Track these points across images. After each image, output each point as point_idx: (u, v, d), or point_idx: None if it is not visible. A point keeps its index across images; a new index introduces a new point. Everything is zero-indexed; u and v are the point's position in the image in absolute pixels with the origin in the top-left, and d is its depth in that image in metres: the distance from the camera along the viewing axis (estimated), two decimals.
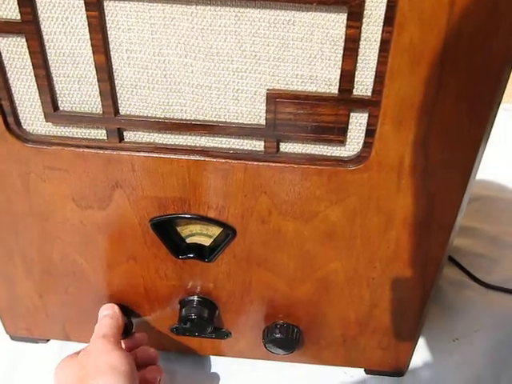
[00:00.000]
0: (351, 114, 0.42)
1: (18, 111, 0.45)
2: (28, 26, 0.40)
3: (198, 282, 0.55)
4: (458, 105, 0.40)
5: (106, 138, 0.46)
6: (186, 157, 0.46)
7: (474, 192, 0.61)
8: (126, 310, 0.59)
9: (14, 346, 0.67)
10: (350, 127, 0.43)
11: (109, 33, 0.40)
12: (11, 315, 0.63)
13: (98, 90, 0.43)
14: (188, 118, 0.44)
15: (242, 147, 0.45)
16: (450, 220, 0.47)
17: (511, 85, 0.42)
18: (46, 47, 0.41)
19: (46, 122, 0.45)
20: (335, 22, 0.38)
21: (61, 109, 0.45)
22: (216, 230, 0.52)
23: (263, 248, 0.51)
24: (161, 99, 0.44)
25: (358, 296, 0.54)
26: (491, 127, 0.42)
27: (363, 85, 0.41)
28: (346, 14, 0.37)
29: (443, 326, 0.70)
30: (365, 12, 0.37)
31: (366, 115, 0.42)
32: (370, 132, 0.43)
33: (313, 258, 0.51)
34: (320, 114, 0.42)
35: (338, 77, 0.40)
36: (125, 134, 0.46)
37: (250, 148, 0.45)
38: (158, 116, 0.44)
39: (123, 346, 0.57)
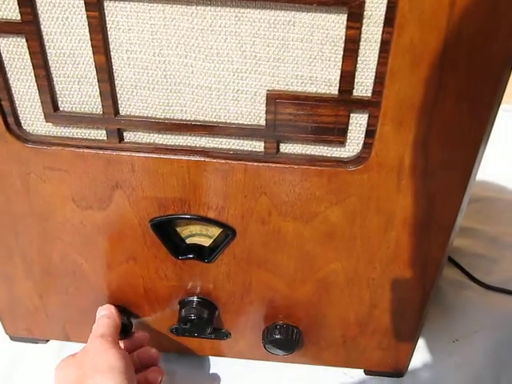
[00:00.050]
0: (351, 114, 0.42)
1: (18, 111, 0.45)
2: (28, 26, 0.40)
3: (197, 282, 0.55)
4: (458, 105, 0.40)
5: (106, 138, 0.46)
6: (186, 157, 0.46)
7: (474, 193, 0.61)
8: (126, 311, 0.59)
9: (14, 347, 0.67)
10: (349, 128, 0.43)
11: (109, 33, 0.40)
12: (11, 315, 0.63)
13: (98, 90, 0.43)
14: (188, 119, 0.44)
15: (242, 148, 0.45)
16: (450, 220, 0.47)
17: (511, 85, 0.42)
18: (46, 47, 0.41)
19: (46, 122, 0.45)
20: (335, 23, 0.38)
21: (61, 109, 0.45)
22: (216, 231, 0.52)
23: (263, 249, 0.51)
24: (161, 100, 0.44)
25: (357, 297, 0.54)
26: (491, 128, 0.42)
27: (363, 85, 0.41)
28: (346, 15, 0.37)
29: (443, 326, 0.70)
30: (365, 13, 0.37)
31: (366, 116, 0.42)
32: (370, 133, 0.43)
33: (313, 259, 0.51)
34: (320, 115, 0.42)
35: (338, 77, 0.40)
36: (125, 134, 0.46)
37: (250, 149, 0.45)
38: (158, 116, 0.44)
39: (123, 346, 0.57)
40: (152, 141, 0.46)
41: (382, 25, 0.38)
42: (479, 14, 0.36)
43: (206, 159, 0.45)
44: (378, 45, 0.38)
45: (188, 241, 0.53)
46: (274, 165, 0.45)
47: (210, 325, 0.57)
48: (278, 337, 0.57)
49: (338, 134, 0.43)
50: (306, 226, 0.49)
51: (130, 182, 0.47)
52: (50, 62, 0.42)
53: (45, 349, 0.67)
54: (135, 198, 0.49)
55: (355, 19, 0.37)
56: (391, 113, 0.40)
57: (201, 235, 0.53)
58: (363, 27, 0.38)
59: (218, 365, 0.66)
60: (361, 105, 0.41)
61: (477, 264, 0.78)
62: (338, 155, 0.45)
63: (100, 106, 0.44)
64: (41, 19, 0.40)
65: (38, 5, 0.39)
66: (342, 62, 0.39)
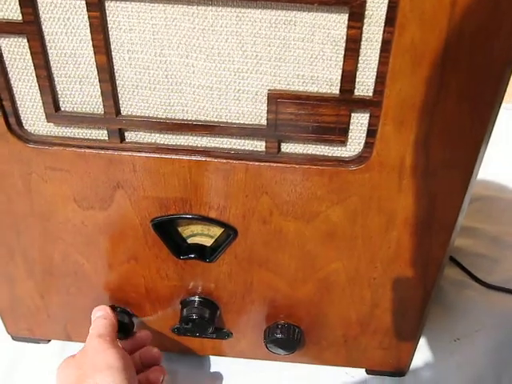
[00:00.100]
0: (352, 114, 0.42)
1: (20, 112, 0.45)
2: (29, 26, 0.40)
3: (199, 282, 0.55)
4: (460, 105, 0.40)
5: (107, 138, 0.46)
6: (187, 157, 0.46)
7: (475, 192, 0.61)
8: (127, 311, 0.59)
9: (15, 346, 0.67)
10: (351, 127, 0.43)
11: (110, 33, 0.40)
12: (13, 315, 0.63)
13: (99, 90, 0.43)
14: (189, 119, 0.44)
15: (243, 147, 0.45)
16: (451, 220, 0.47)
17: None
18: (48, 48, 0.42)
19: (48, 122, 0.45)
20: (336, 23, 0.38)
21: (62, 109, 0.45)
22: (217, 231, 0.52)
23: (264, 248, 0.51)
24: (162, 99, 0.44)
25: (359, 296, 0.54)
26: (492, 127, 0.42)
27: (364, 85, 0.41)
28: (347, 15, 0.37)
29: (444, 326, 0.70)
30: (366, 12, 0.37)
31: (367, 115, 0.42)
32: (371, 132, 0.43)
33: (314, 259, 0.51)
34: (321, 115, 0.42)
35: (339, 77, 0.40)
36: (126, 134, 0.46)
37: (251, 148, 0.45)
38: (159, 116, 0.44)
39: (125, 346, 0.57)
40: (153, 141, 0.46)
41: (383, 24, 0.38)
42: (480, 13, 0.36)
43: (208, 159, 0.45)
44: (379, 44, 0.38)
45: (189, 240, 0.53)
46: (275, 164, 0.45)
47: (212, 324, 0.57)
48: (279, 336, 0.57)
49: (339, 134, 0.43)
50: (308, 225, 0.49)
51: (132, 182, 0.48)
52: (52, 62, 0.42)
53: (46, 349, 0.67)
54: (136, 197, 0.49)
55: (356, 19, 0.37)
56: (392, 112, 0.40)
57: (202, 235, 0.53)
58: (364, 27, 0.38)
59: (219, 364, 0.66)
60: (362, 104, 0.41)
61: (478, 263, 0.78)
62: (339, 155, 0.45)
63: (101, 106, 0.44)
64: (42, 19, 0.40)
65: (39, 5, 0.39)
66: (343, 61, 0.40)
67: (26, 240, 0.54)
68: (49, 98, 0.44)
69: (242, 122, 0.44)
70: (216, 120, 0.44)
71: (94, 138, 0.46)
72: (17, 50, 0.42)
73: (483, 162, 0.44)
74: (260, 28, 0.39)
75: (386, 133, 0.42)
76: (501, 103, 0.40)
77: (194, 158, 0.46)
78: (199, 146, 0.46)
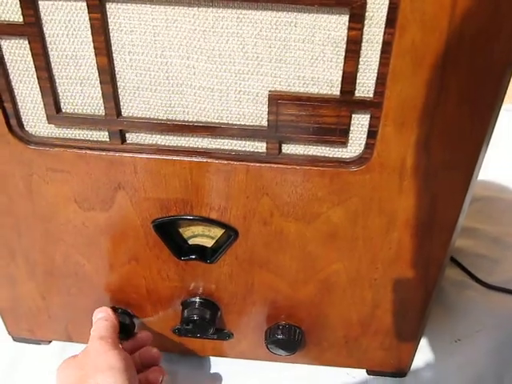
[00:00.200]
0: (353, 115, 0.42)
1: (21, 113, 0.45)
2: (31, 28, 0.40)
3: (200, 283, 0.56)
4: (460, 106, 0.40)
5: (108, 139, 0.46)
6: (188, 158, 0.46)
7: (476, 193, 0.61)
8: (128, 312, 0.59)
9: (16, 346, 0.67)
10: (351, 129, 0.43)
11: (111, 35, 0.40)
12: (14, 316, 0.63)
13: (100, 91, 0.43)
14: (190, 120, 0.44)
15: (244, 149, 0.46)
16: (452, 221, 0.47)
17: None
18: (49, 49, 0.42)
19: (49, 123, 0.45)
20: (337, 24, 0.38)
21: (63, 111, 0.45)
22: (218, 232, 0.52)
23: (265, 249, 0.51)
24: (163, 101, 0.44)
25: (360, 297, 0.54)
26: (493, 128, 0.42)
27: (365, 86, 0.41)
28: (347, 16, 0.37)
29: (445, 326, 0.70)
30: (366, 14, 0.37)
31: (367, 117, 0.42)
32: (371, 133, 0.43)
33: (315, 260, 0.51)
34: (322, 116, 0.42)
35: (340, 78, 0.40)
36: (127, 135, 0.46)
37: (252, 149, 0.45)
38: (160, 118, 0.45)
39: (126, 346, 0.57)
40: (154, 142, 0.46)
41: (383, 26, 0.38)
42: (481, 15, 0.36)
43: (208, 160, 0.46)
44: (380, 46, 0.39)
45: (190, 241, 0.53)
46: (275, 165, 0.45)
47: (213, 325, 0.57)
48: (280, 337, 0.57)
49: (340, 135, 0.43)
50: (308, 226, 0.49)
51: (133, 183, 0.48)
52: (53, 64, 0.42)
53: (46, 349, 0.67)
54: (137, 199, 0.49)
55: (357, 20, 0.37)
56: (393, 114, 0.41)
57: (203, 236, 0.53)
58: (365, 28, 0.38)
59: (219, 365, 0.66)
60: (362, 105, 0.41)
61: (479, 264, 0.78)
62: (339, 156, 0.45)
63: (102, 108, 0.44)
64: (43, 21, 0.40)
65: (40, 7, 0.39)
66: (344, 62, 0.40)
67: (27, 241, 0.54)
68: (50, 100, 0.44)
69: (242, 123, 0.44)
70: (217, 121, 0.44)
71: (95, 139, 0.46)
72: (18, 52, 0.42)
73: (484, 162, 0.44)
74: (261, 29, 0.39)
75: (387, 134, 0.42)
76: (501, 105, 0.40)
77: (194, 159, 0.46)
78: (200, 147, 0.46)
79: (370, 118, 0.42)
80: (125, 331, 0.58)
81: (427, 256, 0.50)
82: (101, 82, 0.42)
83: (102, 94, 0.43)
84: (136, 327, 0.60)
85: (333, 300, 0.55)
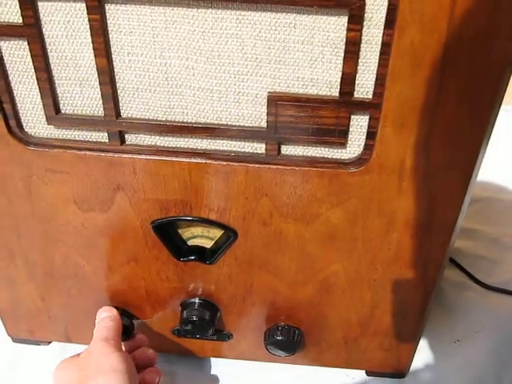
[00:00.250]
0: (352, 116, 0.42)
1: (20, 114, 0.45)
2: (30, 29, 0.40)
3: (199, 284, 0.56)
4: (460, 107, 0.40)
5: (107, 140, 0.46)
6: (187, 159, 0.46)
7: (475, 193, 0.61)
8: (128, 312, 0.59)
9: (15, 347, 0.67)
10: (350, 129, 0.43)
11: (110, 36, 0.40)
12: (13, 317, 0.63)
13: (99, 92, 0.43)
14: (189, 121, 0.44)
15: (243, 150, 0.46)
16: (451, 221, 0.47)
17: None
18: (48, 50, 0.42)
19: (48, 124, 0.45)
20: (336, 25, 0.38)
21: (62, 112, 0.45)
22: (217, 233, 0.52)
23: (264, 250, 0.51)
24: (162, 102, 0.44)
25: (359, 298, 0.54)
26: (492, 128, 0.42)
27: (364, 87, 0.41)
28: (346, 17, 0.38)
29: (444, 327, 0.70)
30: (365, 15, 0.37)
31: (366, 117, 0.42)
32: (370, 134, 0.43)
33: (314, 261, 0.51)
34: (321, 117, 0.42)
35: (339, 79, 0.40)
36: (126, 136, 0.46)
37: (251, 150, 0.46)
38: (159, 119, 0.45)
39: (124, 347, 0.57)
40: (153, 143, 0.46)
41: (382, 27, 0.38)
42: (480, 16, 0.36)
43: (208, 161, 0.46)
44: (379, 47, 0.39)
45: (189, 242, 0.53)
46: (275, 166, 0.45)
47: (212, 326, 0.57)
48: (279, 338, 0.57)
49: (339, 136, 0.43)
50: (307, 227, 0.49)
51: (132, 184, 0.48)
52: (52, 65, 0.42)
53: (46, 350, 0.67)
54: (137, 200, 0.49)
55: (356, 21, 0.37)
56: (392, 114, 0.41)
57: (202, 237, 0.53)
58: (364, 29, 0.38)
59: (218, 366, 0.66)
60: (362, 107, 0.41)
61: (478, 265, 0.78)
62: (338, 157, 0.45)
63: (101, 109, 0.44)
64: (42, 22, 0.40)
65: (39, 8, 0.39)
66: (343, 64, 0.40)
67: (26, 242, 0.54)
68: (49, 101, 0.44)
69: (241, 124, 0.44)
70: (216, 122, 0.44)
71: (95, 140, 0.46)
72: (17, 53, 0.42)
73: (482, 163, 0.44)
74: (260, 30, 0.39)
75: (386, 135, 0.42)
76: (500, 105, 0.40)
77: (194, 160, 0.46)
78: (199, 148, 0.46)
79: (369, 118, 0.42)
80: (124, 332, 0.58)
81: (426, 257, 0.50)
82: (100, 83, 0.42)
83: (102, 94, 0.43)
84: (135, 328, 0.60)
85: (332, 301, 0.55)
